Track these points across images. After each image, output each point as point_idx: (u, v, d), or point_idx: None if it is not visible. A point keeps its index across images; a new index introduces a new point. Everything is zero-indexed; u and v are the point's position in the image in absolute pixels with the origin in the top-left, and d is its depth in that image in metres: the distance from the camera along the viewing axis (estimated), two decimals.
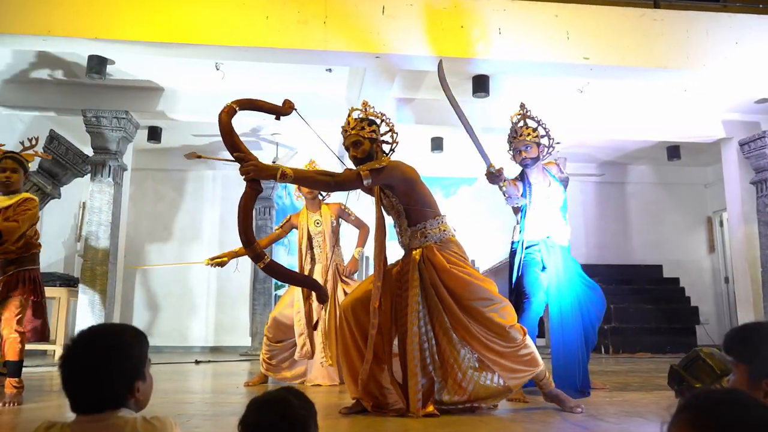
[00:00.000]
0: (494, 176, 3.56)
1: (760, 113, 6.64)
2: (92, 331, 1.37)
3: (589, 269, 4.08)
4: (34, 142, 3.84)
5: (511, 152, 3.87)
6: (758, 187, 6.75)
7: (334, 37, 4.88)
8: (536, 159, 3.79)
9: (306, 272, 4.63)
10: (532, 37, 5.09)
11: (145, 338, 1.41)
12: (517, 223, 3.84)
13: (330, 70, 5.82)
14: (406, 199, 3.13)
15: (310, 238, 4.74)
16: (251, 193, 2.80)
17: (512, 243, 3.87)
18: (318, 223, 4.75)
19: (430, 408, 2.91)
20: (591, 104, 6.58)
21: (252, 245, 2.75)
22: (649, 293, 8.37)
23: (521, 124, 3.82)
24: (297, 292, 4.56)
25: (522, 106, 3.90)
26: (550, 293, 3.60)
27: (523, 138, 3.76)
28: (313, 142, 7.74)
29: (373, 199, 3.25)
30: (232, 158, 2.91)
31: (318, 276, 4.58)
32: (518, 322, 3.02)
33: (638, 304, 8.11)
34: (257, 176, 2.80)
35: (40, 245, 3.74)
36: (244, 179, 2.81)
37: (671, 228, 9.33)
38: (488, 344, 2.94)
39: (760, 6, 5.87)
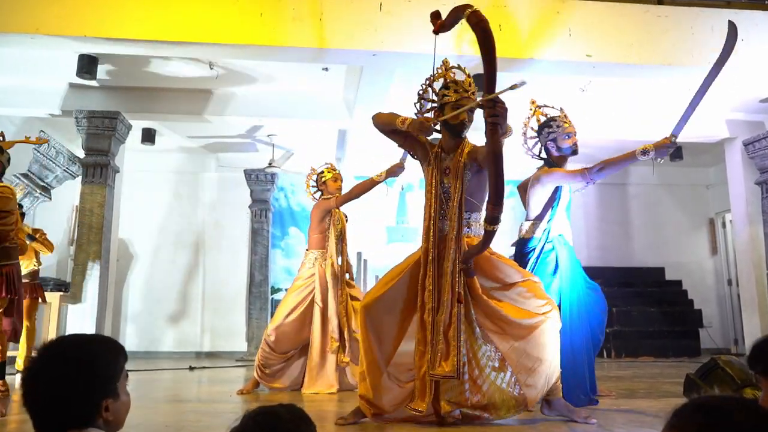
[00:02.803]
0: (669, 148, 3.35)
1: (764, 112, 6.53)
2: (56, 342, 1.23)
3: (591, 271, 3.95)
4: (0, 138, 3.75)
5: (549, 141, 3.66)
6: (763, 188, 6.63)
7: (330, 35, 4.76)
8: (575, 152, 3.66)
9: (318, 269, 4.49)
10: (534, 34, 4.97)
11: (121, 351, 1.27)
12: (537, 218, 3.60)
13: (326, 69, 5.70)
14: (478, 186, 3.02)
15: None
16: (500, 134, 2.51)
17: (528, 240, 3.61)
18: (338, 221, 4.64)
19: (448, 408, 2.83)
20: (593, 103, 6.46)
21: (501, 205, 2.53)
22: (652, 296, 8.25)
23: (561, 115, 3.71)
24: (300, 296, 4.42)
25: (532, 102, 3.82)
26: (561, 295, 3.46)
27: (570, 126, 3.64)
28: (309, 144, 7.66)
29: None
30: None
31: (329, 277, 4.46)
32: None
33: (640, 307, 7.98)
34: (502, 125, 2.56)
35: (15, 240, 3.54)
36: (490, 122, 2.53)
37: (673, 229, 9.21)
38: (516, 328, 2.88)
39: (766, 2, 5.76)
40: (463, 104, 2.94)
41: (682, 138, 7.28)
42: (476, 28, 2.53)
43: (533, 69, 5.28)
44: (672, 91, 6.18)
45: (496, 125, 2.51)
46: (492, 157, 2.53)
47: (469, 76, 3.10)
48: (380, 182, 4.26)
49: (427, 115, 3.06)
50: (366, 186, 4.38)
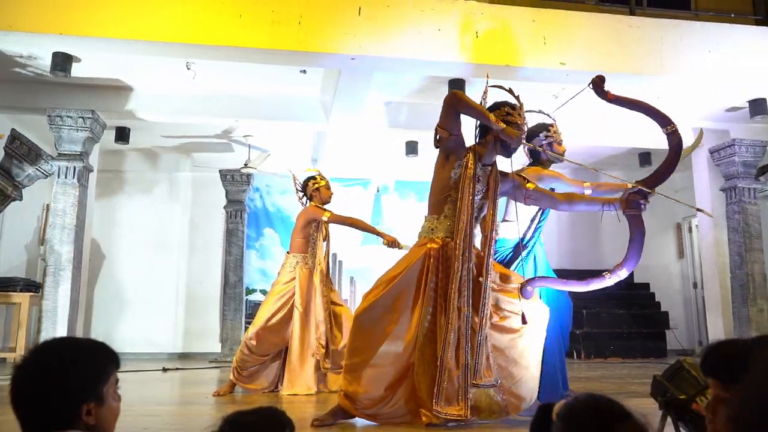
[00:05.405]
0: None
1: (729, 121, 6.72)
2: (40, 347, 1.27)
3: (563, 273, 4.06)
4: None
5: (546, 146, 3.78)
6: (727, 194, 6.84)
7: (309, 38, 4.79)
8: None
9: (298, 272, 4.51)
10: (510, 41, 5.07)
11: (110, 357, 1.29)
12: (534, 221, 3.70)
13: (304, 71, 5.71)
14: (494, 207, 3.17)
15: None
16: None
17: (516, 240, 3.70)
18: (323, 228, 4.67)
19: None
20: (565, 110, 6.57)
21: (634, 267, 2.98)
22: (621, 298, 8.44)
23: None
24: (281, 300, 4.43)
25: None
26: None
27: (560, 134, 3.82)
28: (285, 145, 7.66)
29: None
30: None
31: (317, 282, 4.48)
32: None
33: (610, 309, 8.18)
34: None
35: None
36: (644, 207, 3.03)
37: None
38: (507, 332, 3.02)
39: (732, 15, 5.96)
40: (521, 127, 3.13)
41: (652, 144, 7.46)
42: (676, 147, 2.93)
43: (509, 75, 5.38)
44: (642, 99, 6.34)
45: (642, 210, 3.00)
46: (641, 233, 3.01)
47: (520, 102, 3.23)
48: (379, 237, 4.45)
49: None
50: (366, 228, 4.62)
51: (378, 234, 4.50)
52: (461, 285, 2.91)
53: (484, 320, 2.91)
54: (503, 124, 3.00)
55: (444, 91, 5.63)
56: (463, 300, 2.89)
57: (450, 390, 2.84)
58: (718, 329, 6.88)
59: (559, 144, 3.84)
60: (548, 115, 3.87)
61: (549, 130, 3.86)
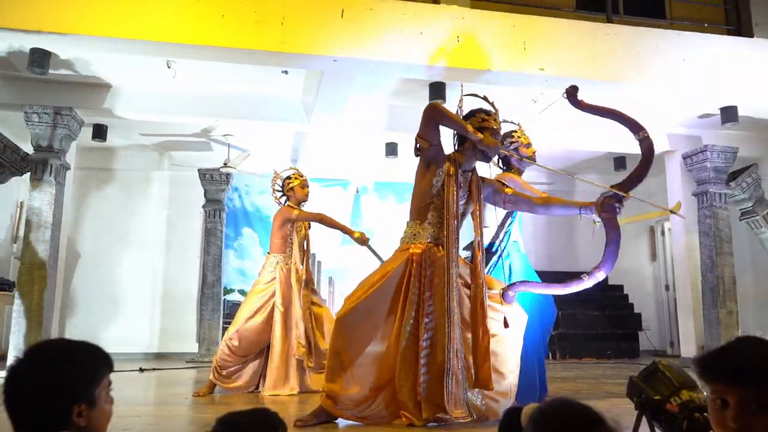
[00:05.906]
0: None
1: (702, 127, 6.89)
2: (34, 348, 1.28)
3: (539, 276, 4.14)
4: None
5: (512, 150, 3.86)
6: (699, 199, 7.01)
7: (291, 39, 4.79)
8: None
9: (279, 273, 4.51)
10: (490, 46, 5.14)
11: (102, 359, 1.30)
12: (503, 225, 3.77)
13: (286, 72, 5.72)
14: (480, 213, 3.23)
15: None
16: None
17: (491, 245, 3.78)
18: (300, 228, 4.67)
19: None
20: (543, 114, 6.68)
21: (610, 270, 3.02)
22: (595, 300, 8.57)
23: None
24: (262, 300, 4.44)
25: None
26: None
27: (527, 137, 3.88)
28: (265, 145, 7.64)
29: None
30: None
31: (294, 282, 4.48)
32: None
33: (584, 311, 8.31)
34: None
35: None
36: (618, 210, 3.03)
37: None
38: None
39: (705, 25, 6.11)
40: (498, 132, 3.18)
41: (627, 149, 7.61)
42: (648, 152, 3.02)
43: (489, 80, 5.45)
44: (618, 105, 6.45)
45: (617, 214, 3.04)
46: (616, 236, 3.00)
47: (495, 108, 3.27)
48: (349, 235, 4.52)
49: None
50: (333, 224, 4.61)
51: (345, 231, 4.54)
52: (453, 291, 2.96)
53: (483, 327, 2.97)
54: (480, 134, 3.05)
55: (425, 94, 5.69)
56: (459, 307, 2.96)
57: (456, 394, 2.91)
58: (689, 331, 7.05)
59: (527, 147, 3.90)
60: (511, 122, 3.93)
61: (512, 136, 3.94)
